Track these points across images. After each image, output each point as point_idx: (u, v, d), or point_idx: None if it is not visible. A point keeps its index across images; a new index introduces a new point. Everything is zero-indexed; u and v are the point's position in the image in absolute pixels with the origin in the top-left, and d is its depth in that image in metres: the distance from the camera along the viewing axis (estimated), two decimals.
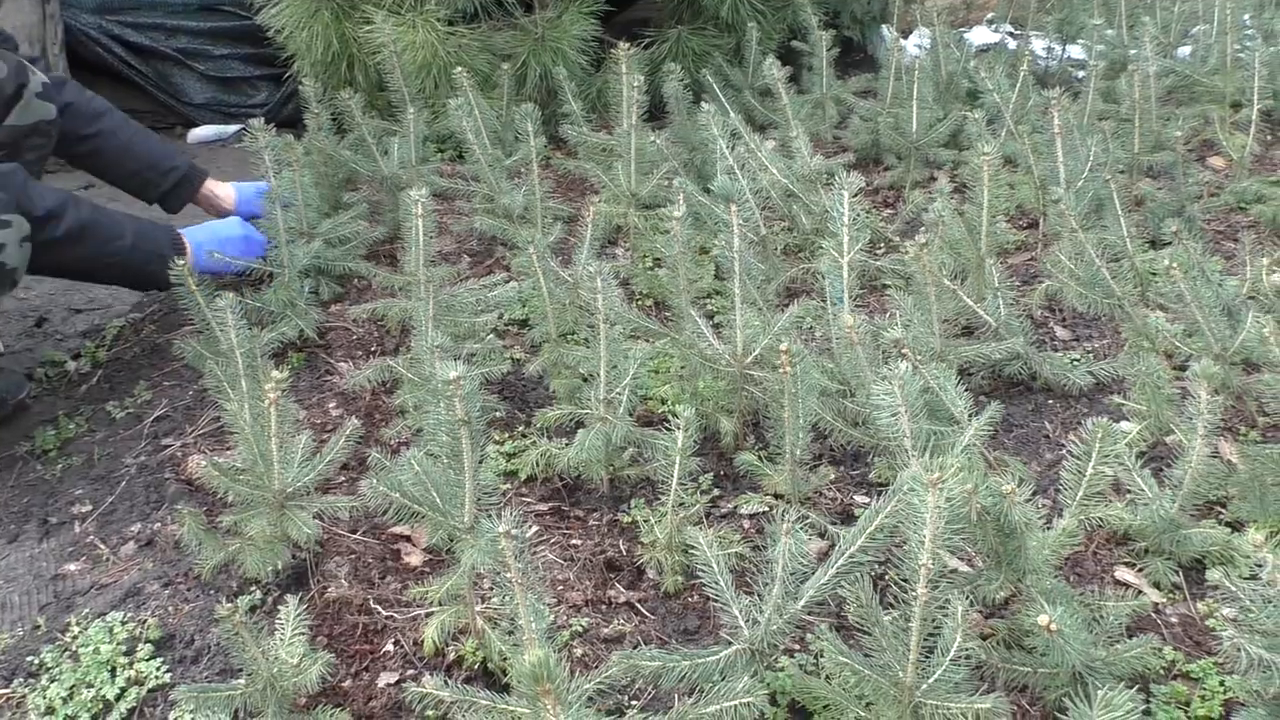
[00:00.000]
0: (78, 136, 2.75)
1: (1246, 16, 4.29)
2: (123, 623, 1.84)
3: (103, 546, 2.07)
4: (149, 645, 1.80)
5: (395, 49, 3.23)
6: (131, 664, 1.76)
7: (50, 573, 2.01)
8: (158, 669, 1.76)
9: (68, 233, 2.36)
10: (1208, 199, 3.13)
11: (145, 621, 1.84)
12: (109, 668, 1.76)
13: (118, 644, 1.79)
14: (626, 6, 4.32)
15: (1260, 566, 1.39)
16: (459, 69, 3.17)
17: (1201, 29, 4.28)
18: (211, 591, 1.92)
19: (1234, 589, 1.45)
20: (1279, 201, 3.04)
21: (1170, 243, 2.41)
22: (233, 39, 4.52)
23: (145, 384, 2.59)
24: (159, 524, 2.11)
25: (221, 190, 2.95)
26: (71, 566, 2.03)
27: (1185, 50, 4.29)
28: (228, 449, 2.27)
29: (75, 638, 1.82)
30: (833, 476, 2.10)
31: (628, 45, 2.86)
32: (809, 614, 1.69)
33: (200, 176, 2.92)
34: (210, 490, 2.06)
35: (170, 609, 1.89)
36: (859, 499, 2.06)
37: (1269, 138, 3.64)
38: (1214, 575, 1.50)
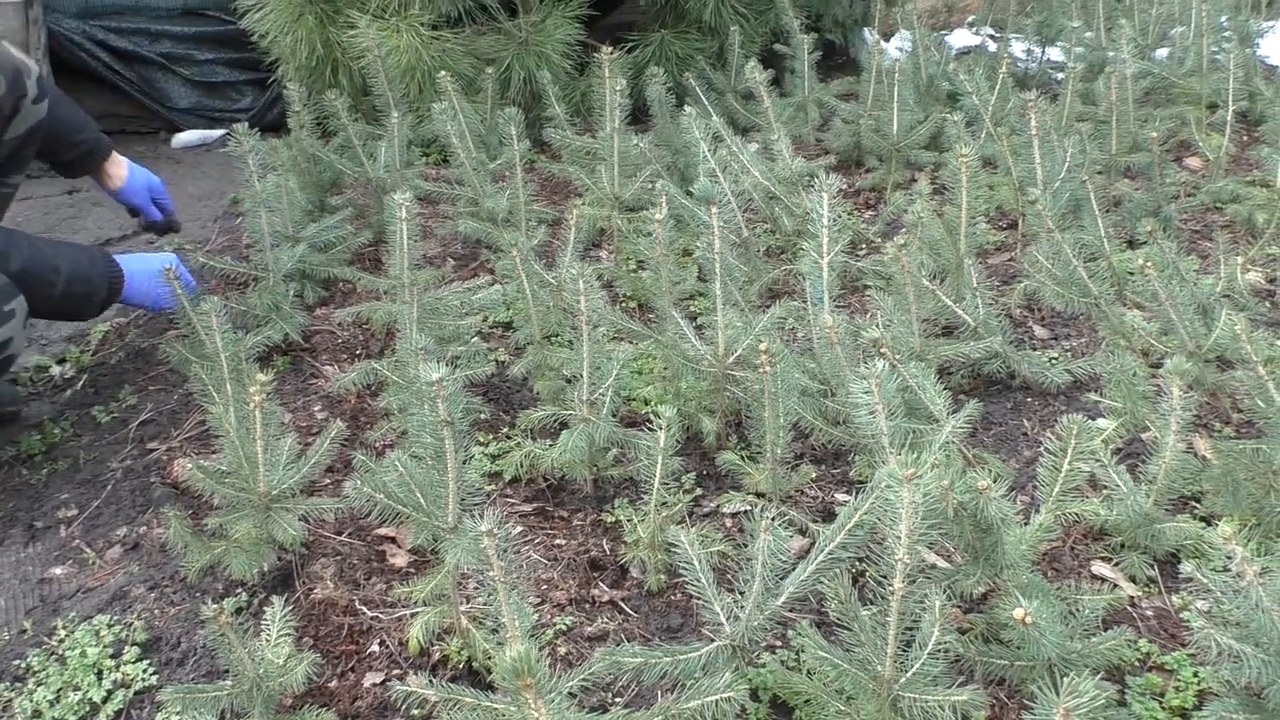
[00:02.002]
0: None
1: (1223, 19, 4.33)
2: (109, 625, 1.85)
3: (89, 550, 2.07)
4: (136, 648, 1.81)
5: (379, 53, 3.24)
6: (118, 666, 1.77)
7: (36, 576, 2.02)
8: (144, 671, 1.77)
9: (12, 278, 2.23)
10: (1184, 199, 3.17)
11: (132, 624, 1.85)
12: (96, 670, 1.77)
13: (104, 647, 1.80)
14: (610, 11, 4.34)
15: (1231, 559, 1.41)
16: (443, 73, 3.19)
17: (1179, 31, 4.33)
18: (198, 594, 1.93)
19: (1206, 581, 1.48)
20: (1254, 201, 3.08)
21: (1146, 242, 2.44)
22: (217, 44, 4.52)
23: (130, 388, 2.60)
24: (145, 527, 2.12)
25: (115, 170, 2.81)
26: (58, 570, 2.04)
27: (1163, 52, 4.34)
28: (213, 452, 2.28)
29: (62, 641, 1.83)
30: (814, 475, 2.12)
31: (611, 49, 2.88)
32: (790, 610, 1.72)
33: (104, 152, 2.78)
34: (196, 493, 2.08)
35: (157, 611, 1.90)
36: (840, 497, 2.08)
37: (1244, 138, 3.69)
38: (1187, 568, 1.52)
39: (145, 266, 2.54)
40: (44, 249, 2.36)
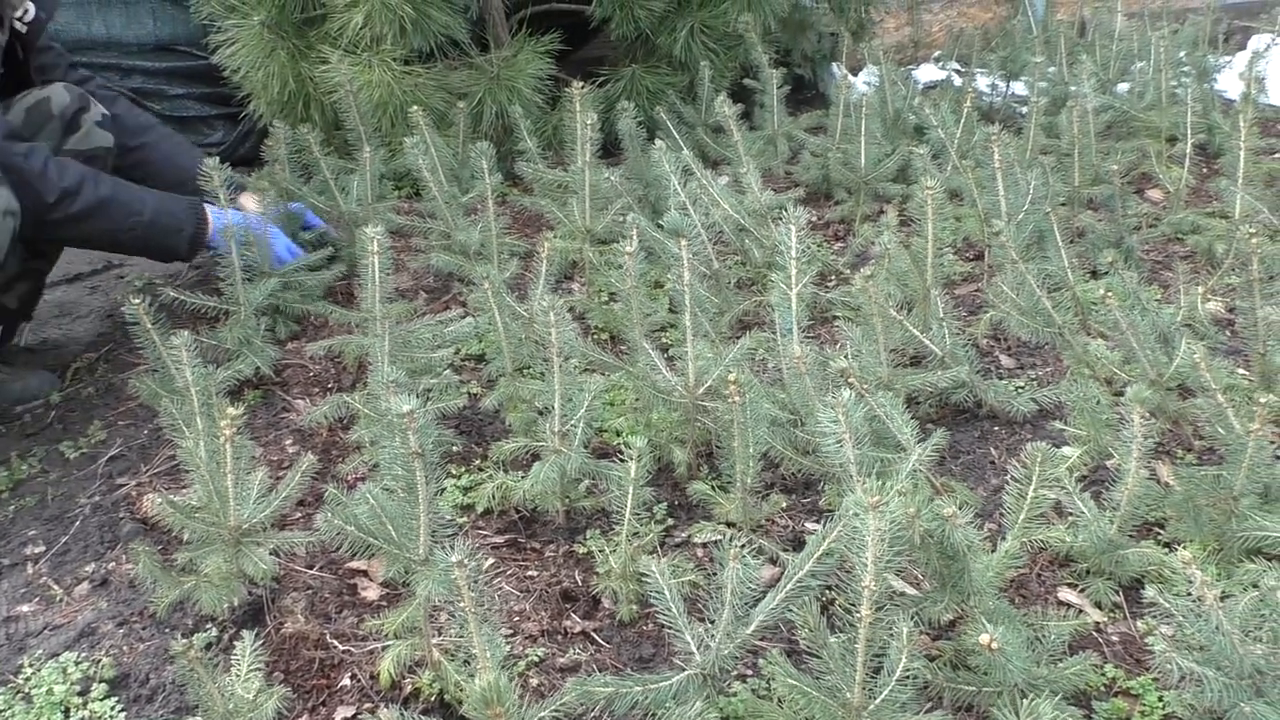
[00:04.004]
0: (124, 148, 2.93)
1: (1182, 54, 4.43)
2: (76, 663, 1.83)
3: (56, 587, 2.06)
4: (103, 685, 1.79)
5: (351, 88, 3.26)
6: (86, 704, 1.76)
7: (2, 615, 2.00)
8: (112, 708, 1.75)
9: (84, 209, 2.55)
10: (1146, 230, 3.23)
11: (99, 661, 1.84)
12: (63, 708, 1.75)
13: (71, 684, 1.79)
14: (582, 46, 4.39)
15: (1191, 583, 1.44)
16: (415, 107, 3.21)
17: (1139, 66, 4.42)
18: (167, 629, 1.91)
19: (1168, 606, 1.50)
20: (1213, 232, 3.14)
21: (1108, 273, 2.49)
22: (188, 78, 4.52)
23: (100, 423, 2.58)
24: (113, 563, 2.11)
25: (250, 204, 3.04)
26: (24, 608, 2.02)
27: (1124, 87, 4.43)
28: (183, 487, 2.27)
29: (28, 679, 1.81)
30: (784, 504, 2.13)
31: (582, 84, 2.92)
32: (761, 639, 1.73)
33: (235, 190, 3.04)
34: (166, 529, 2.07)
35: (125, 648, 1.88)
36: (810, 526, 2.10)
37: (1204, 171, 3.77)
38: (1150, 593, 1.55)
39: (241, 219, 2.81)
40: (132, 188, 2.69)
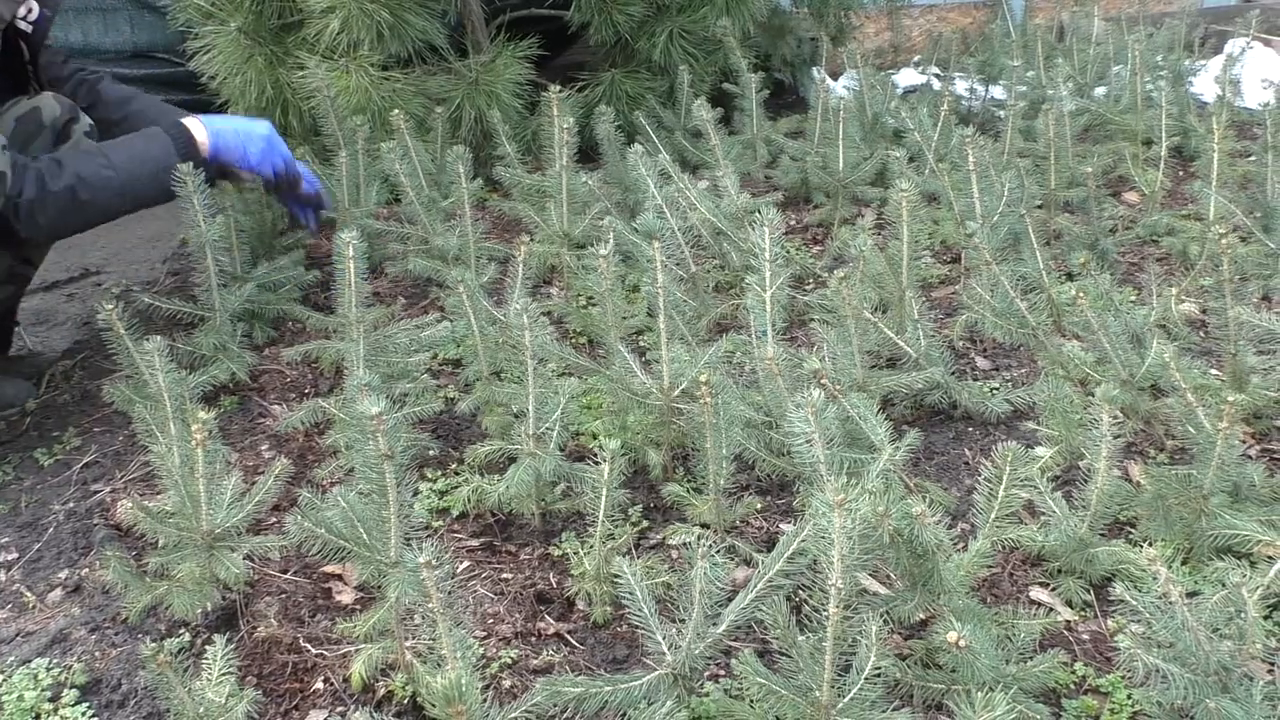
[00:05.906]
0: (110, 122, 2.87)
1: (1158, 58, 4.47)
2: (48, 669, 1.82)
3: (29, 594, 2.04)
4: (74, 691, 1.78)
5: (329, 94, 3.26)
6: (57, 710, 1.75)
7: None
8: (83, 714, 1.74)
9: (57, 214, 2.42)
10: (1121, 232, 3.25)
11: (71, 667, 1.83)
12: (33, 715, 1.74)
13: (42, 690, 1.78)
14: (561, 51, 4.40)
15: (1156, 580, 1.45)
16: (396, 111, 3.22)
17: (1116, 70, 4.46)
18: (139, 635, 1.90)
19: (1134, 603, 1.51)
20: (1188, 234, 3.16)
21: (1081, 274, 2.50)
22: (166, 85, 4.51)
23: (75, 430, 2.57)
24: (87, 569, 2.09)
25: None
26: None
27: (1102, 90, 4.46)
28: (158, 494, 2.26)
29: None
30: (759, 506, 2.14)
31: (560, 88, 2.92)
32: (734, 639, 1.73)
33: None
34: (140, 535, 2.06)
35: (97, 654, 1.87)
36: (784, 527, 2.10)
37: (1179, 173, 3.79)
38: (1117, 590, 1.56)
39: (230, 125, 2.75)
40: (94, 157, 2.50)
